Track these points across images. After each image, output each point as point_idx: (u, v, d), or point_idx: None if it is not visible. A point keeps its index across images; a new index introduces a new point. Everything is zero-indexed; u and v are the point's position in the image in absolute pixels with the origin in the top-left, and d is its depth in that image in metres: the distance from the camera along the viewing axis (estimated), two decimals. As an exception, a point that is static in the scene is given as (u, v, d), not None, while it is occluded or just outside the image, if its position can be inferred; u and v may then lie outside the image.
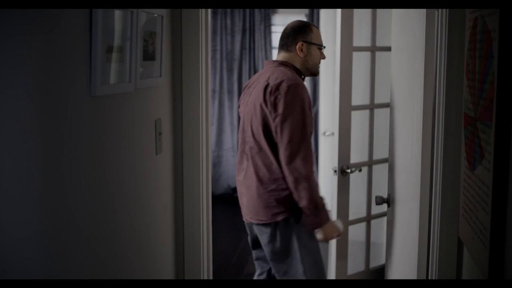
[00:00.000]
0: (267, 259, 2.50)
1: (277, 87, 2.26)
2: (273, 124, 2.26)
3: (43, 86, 1.13)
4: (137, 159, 1.75)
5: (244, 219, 2.52)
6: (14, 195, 1.05)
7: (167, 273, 2.16)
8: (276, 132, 2.27)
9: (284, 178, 2.30)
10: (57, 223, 1.21)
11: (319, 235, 2.37)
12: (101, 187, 1.45)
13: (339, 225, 2.43)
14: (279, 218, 2.33)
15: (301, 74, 2.49)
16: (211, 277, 2.44)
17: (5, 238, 1.03)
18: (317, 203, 2.27)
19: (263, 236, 2.40)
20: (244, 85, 2.62)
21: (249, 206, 2.41)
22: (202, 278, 2.30)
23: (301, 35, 2.47)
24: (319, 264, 2.43)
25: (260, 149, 2.34)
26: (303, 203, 2.26)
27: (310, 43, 2.47)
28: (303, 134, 2.25)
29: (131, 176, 1.68)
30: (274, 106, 2.25)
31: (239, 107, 2.57)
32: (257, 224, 2.40)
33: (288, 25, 2.53)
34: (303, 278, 2.35)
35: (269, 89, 2.27)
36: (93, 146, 1.39)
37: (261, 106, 2.29)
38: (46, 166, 1.16)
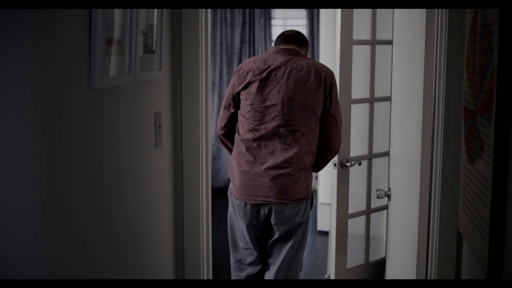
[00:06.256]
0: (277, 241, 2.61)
1: (331, 75, 2.53)
2: (325, 107, 2.51)
3: (43, 79, 1.13)
4: (137, 152, 1.75)
5: (259, 201, 2.47)
6: (13, 189, 1.05)
7: (166, 267, 2.16)
8: (328, 115, 2.51)
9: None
10: (55, 218, 1.21)
11: None
12: (100, 180, 1.45)
13: None
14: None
15: None
16: (210, 270, 2.45)
17: (1, 229, 1.03)
18: None
19: (295, 211, 2.52)
20: (250, 67, 2.50)
21: (288, 187, 2.45)
22: (201, 271, 2.31)
23: (308, 45, 2.66)
24: None
25: (311, 130, 2.50)
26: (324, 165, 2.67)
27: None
28: None
29: (130, 169, 1.68)
30: (330, 91, 2.50)
31: (259, 89, 2.47)
32: (288, 204, 2.47)
33: (296, 31, 2.67)
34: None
35: (323, 76, 2.49)
36: (93, 138, 1.39)
37: (319, 90, 2.47)
38: (45, 160, 1.16)
